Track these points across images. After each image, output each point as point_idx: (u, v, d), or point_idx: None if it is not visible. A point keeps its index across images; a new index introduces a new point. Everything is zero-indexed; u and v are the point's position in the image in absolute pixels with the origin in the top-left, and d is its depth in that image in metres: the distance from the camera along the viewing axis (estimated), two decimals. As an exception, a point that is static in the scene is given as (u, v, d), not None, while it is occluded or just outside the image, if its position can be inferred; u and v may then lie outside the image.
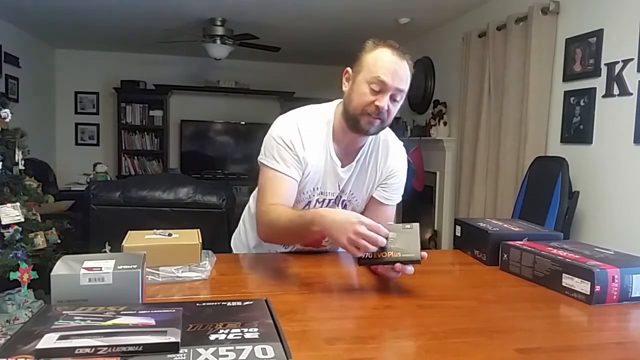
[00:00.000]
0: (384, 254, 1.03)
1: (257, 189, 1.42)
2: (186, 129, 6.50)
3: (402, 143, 1.47)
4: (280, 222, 1.21)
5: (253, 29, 4.62)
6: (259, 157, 1.35)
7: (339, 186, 1.39)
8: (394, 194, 1.44)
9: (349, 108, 1.28)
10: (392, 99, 1.24)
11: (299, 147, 1.30)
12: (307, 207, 1.40)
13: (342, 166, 1.37)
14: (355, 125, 1.28)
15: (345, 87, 1.31)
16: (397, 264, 1.03)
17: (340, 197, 1.41)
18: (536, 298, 1.08)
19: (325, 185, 1.38)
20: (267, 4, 4.08)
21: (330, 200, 1.41)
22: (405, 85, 1.25)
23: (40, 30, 5.22)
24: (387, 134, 1.44)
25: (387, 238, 1.04)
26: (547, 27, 3.07)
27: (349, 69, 1.31)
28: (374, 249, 1.02)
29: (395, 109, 1.27)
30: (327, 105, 1.39)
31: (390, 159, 1.41)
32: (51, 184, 5.00)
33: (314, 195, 1.39)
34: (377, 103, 1.22)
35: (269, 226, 1.26)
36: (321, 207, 1.40)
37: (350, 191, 1.41)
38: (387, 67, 1.22)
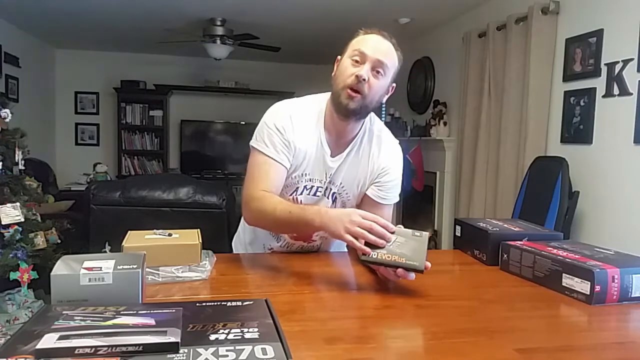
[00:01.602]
0: (388, 256, 1.03)
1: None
2: (186, 129, 6.50)
3: (397, 141, 1.46)
4: (277, 213, 1.22)
5: (253, 29, 4.62)
6: (250, 142, 1.36)
7: (326, 175, 1.38)
8: (389, 192, 1.42)
9: (334, 88, 1.29)
10: (374, 70, 1.23)
11: (290, 132, 1.32)
12: (294, 192, 1.40)
13: (332, 155, 1.37)
14: (337, 105, 1.28)
15: (334, 73, 1.32)
16: (400, 270, 1.02)
17: (330, 188, 1.41)
18: (536, 298, 1.07)
19: (313, 172, 1.38)
20: (267, 4, 4.08)
21: (318, 187, 1.40)
22: (388, 59, 1.24)
23: (40, 30, 5.22)
24: (382, 129, 1.43)
25: (392, 235, 1.05)
26: (547, 27, 3.07)
27: (338, 57, 1.32)
28: (370, 237, 1.03)
29: (378, 86, 1.25)
30: (322, 94, 1.40)
31: (383, 154, 1.40)
32: (51, 184, 5.01)
33: (301, 181, 1.39)
34: (357, 72, 1.22)
35: (260, 213, 1.28)
36: (309, 193, 1.41)
37: (340, 183, 1.40)
38: (367, 41, 1.24)
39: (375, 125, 1.41)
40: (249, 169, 1.35)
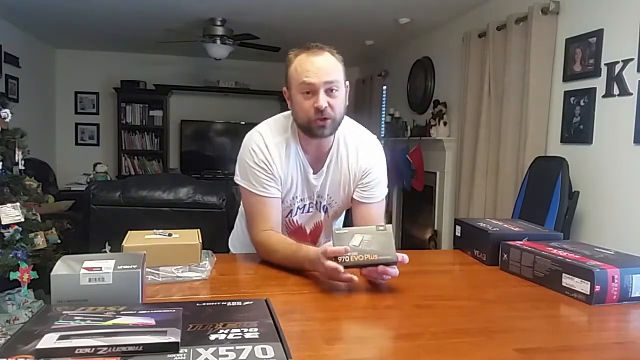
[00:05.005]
0: (360, 257, 1.04)
1: (241, 207, 1.46)
2: (186, 129, 6.50)
3: (374, 137, 1.46)
4: (279, 255, 1.25)
5: (253, 29, 4.62)
6: (235, 177, 1.37)
7: (314, 193, 1.41)
8: (373, 191, 1.42)
9: (298, 122, 1.30)
10: (329, 92, 1.24)
11: (271, 165, 1.33)
12: (289, 214, 1.43)
13: (314, 172, 1.38)
14: (310, 133, 1.29)
15: (290, 105, 1.32)
16: (380, 266, 1.03)
17: (320, 202, 1.44)
18: (536, 298, 1.08)
19: (303, 192, 1.41)
20: (267, 4, 4.08)
21: (309, 204, 1.44)
22: (334, 76, 1.24)
23: (40, 30, 5.22)
24: (355, 129, 1.42)
25: (358, 235, 1.07)
26: (547, 27, 3.06)
27: (285, 88, 1.32)
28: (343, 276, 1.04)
29: (339, 102, 1.26)
30: (285, 116, 1.39)
31: (361, 157, 1.40)
32: (51, 184, 5.01)
33: (294, 203, 1.42)
34: (315, 105, 1.22)
35: (267, 254, 1.30)
36: (302, 212, 1.44)
37: (328, 195, 1.43)
38: (307, 68, 1.23)
39: (348, 128, 1.39)
40: (246, 208, 1.39)
